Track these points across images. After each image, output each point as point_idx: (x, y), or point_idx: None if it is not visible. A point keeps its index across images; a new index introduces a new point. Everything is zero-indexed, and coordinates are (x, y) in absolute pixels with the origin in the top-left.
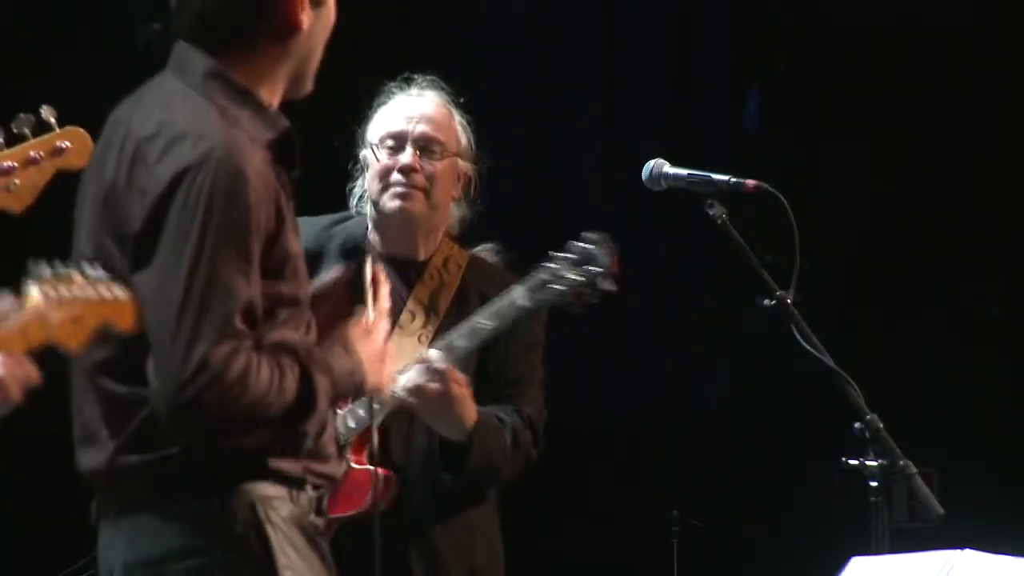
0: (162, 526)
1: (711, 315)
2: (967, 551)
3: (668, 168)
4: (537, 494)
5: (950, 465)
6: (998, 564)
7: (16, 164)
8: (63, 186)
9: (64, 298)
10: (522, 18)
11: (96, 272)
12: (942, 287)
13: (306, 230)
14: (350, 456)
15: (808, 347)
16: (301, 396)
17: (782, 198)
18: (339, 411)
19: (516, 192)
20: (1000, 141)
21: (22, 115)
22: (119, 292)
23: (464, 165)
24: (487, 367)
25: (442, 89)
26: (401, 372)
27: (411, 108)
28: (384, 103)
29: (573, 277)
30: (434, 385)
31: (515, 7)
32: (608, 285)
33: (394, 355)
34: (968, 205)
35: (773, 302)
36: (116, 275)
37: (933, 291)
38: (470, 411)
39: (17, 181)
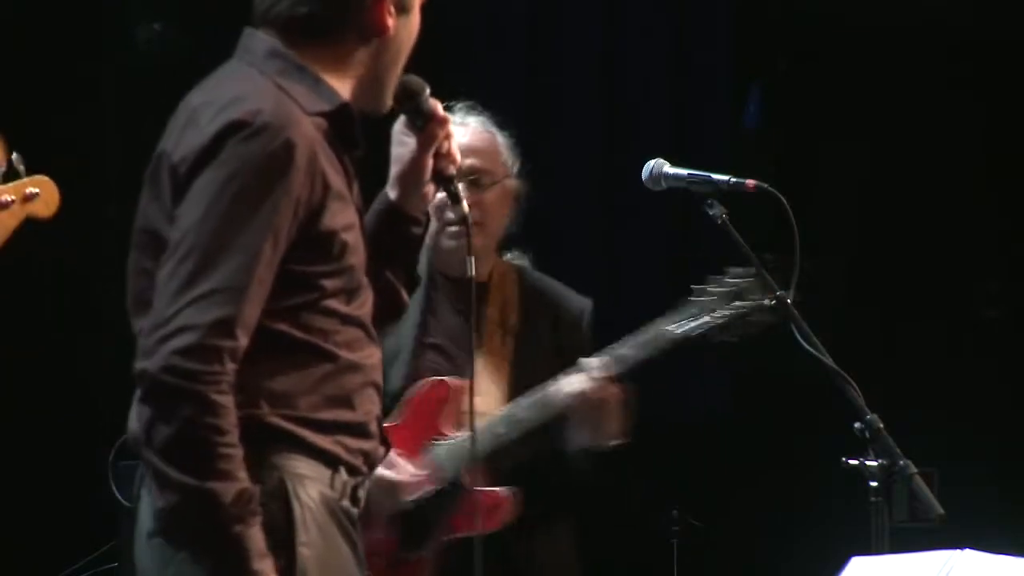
0: None
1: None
2: (967, 551)
3: (668, 168)
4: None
5: (950, 465)
6: (998, 564)
7: None
8: None
9: None
10: (522, 18)
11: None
12: (942, 287)
13: None
14: (470, 479)
15: (808, 347)
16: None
17: (782, 198)
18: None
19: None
20: (1000, 141)
21: None
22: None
23: (512, 184)
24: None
25: (480, 113)
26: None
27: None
28: None
29: (725, 312)
30: (598, 393)
31: (515, 7)
32: (765, 317)
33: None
34: (968, 205)
35: (773, 302)
36: (163, 247)
37: (933, 291)
38: (622, 422)
39: None
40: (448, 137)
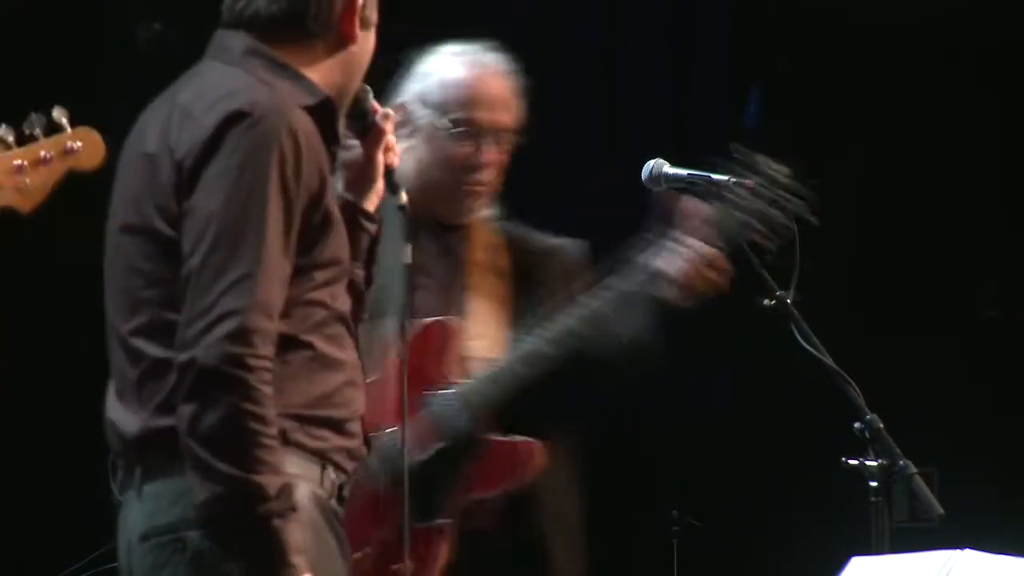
0: (186, 493)
1: (711, 315)
2: (967, 551)
3: (668, 168)
4: None
5: (950, 465)
6: (998, 564)
7: (26, 163)
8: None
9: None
10: (522, 18)
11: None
12: (942, 287)
13: None
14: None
15: (808, 347)
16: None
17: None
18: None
19: (516, 192)
20: (1001, 141)
21: (33, 115)
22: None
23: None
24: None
25: (497, 51)
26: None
27: (486, 92)
28: (447, 69)
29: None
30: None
31: (515, 6)
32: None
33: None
34: (968, 205)
35: (773, 302)
36: (160, 243)
37: (933, 291)
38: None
39: (27, 180)
40: (389, 129)
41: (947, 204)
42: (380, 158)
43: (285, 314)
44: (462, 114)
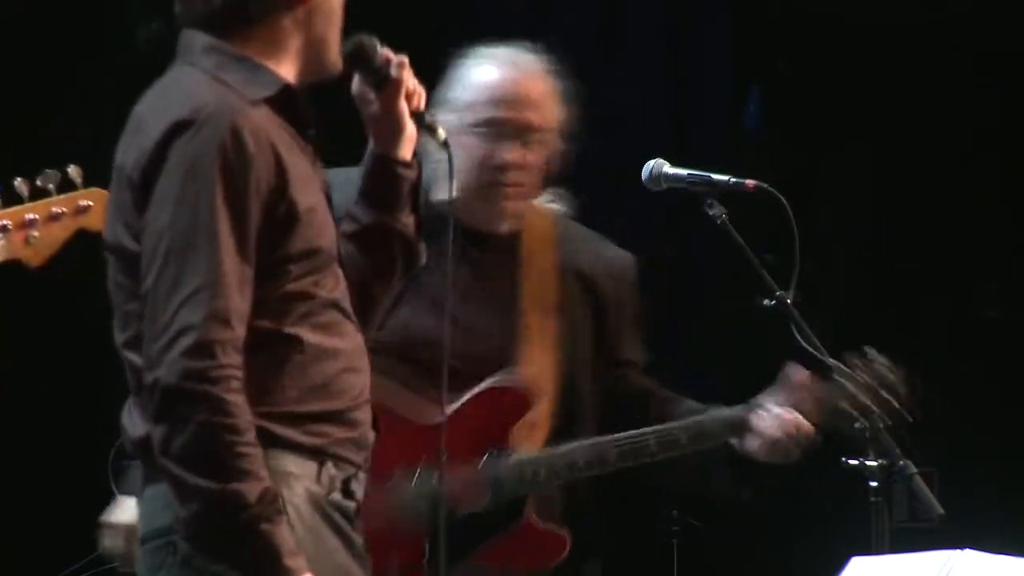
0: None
1: (711, 315)
2: (967, 551)
3: (668, 168)
4: None
5: (950, 465)
6: (998, 564)
7: (38, 217)
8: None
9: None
10: (521, 18)
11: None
12: (942, 287)
13: (349, 190)
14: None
15: (808, 347)
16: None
17: (782, 198)
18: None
19: None
20: (1001, 141)
21: (48, 170)
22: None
23: (557, 139)
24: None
25: (536, 52)
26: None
27: (511, 90)
28: (474, 69)
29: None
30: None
31: (513, 6)
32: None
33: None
34: (968, 205)
35: (773, 302)
36: (129, 260)
37: (933, 291)
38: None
39: (36, 234)
40: (408, 74)
41: (947, 204)
42: (403, 106)
43: (263, 312)
44: (484, 113)
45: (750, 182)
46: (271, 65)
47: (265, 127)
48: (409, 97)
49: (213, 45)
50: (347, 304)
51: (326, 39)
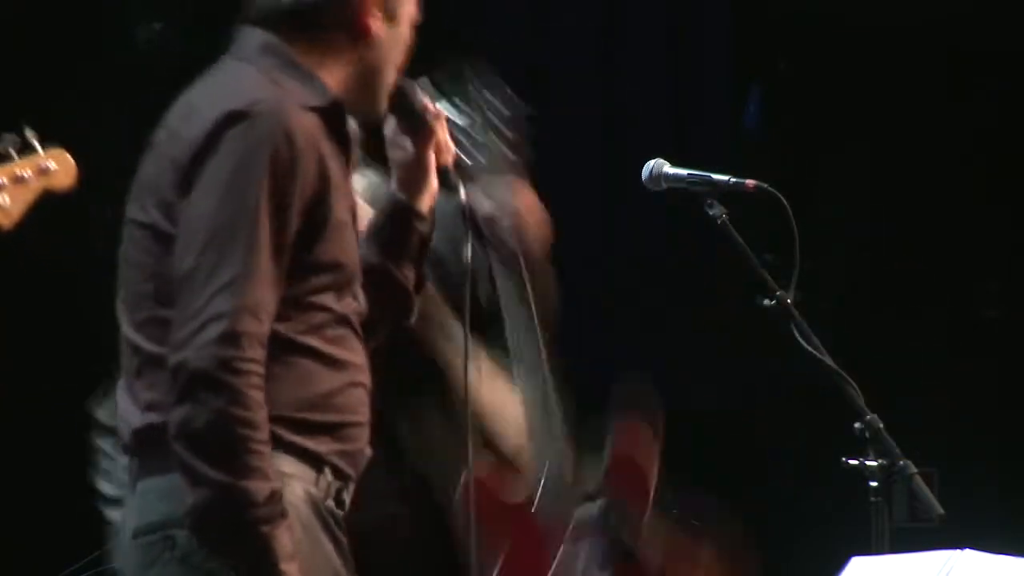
0: (176, 490)
1: (711, 315)
2: (967, 551)
3: (668, 168)
4: None
5: (950, 465)
6: (998, 564)
7: (5, 181)
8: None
9: None
10: (521, 18)
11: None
12: (942, 287)
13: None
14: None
15: (808, 347)
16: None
17: (782, 198)
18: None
19: None
20: (1001, 141)
21: (6, 135)
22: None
23: None
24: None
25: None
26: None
27: None
28: None
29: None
30: None
31: (515, 6)
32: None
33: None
34: (968, 205)
35: (773, 302)
36: (160, 240)
37: (933, 291)
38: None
39: (6, 198)
40: (442, 128)
41: (947, 204)
42: (431, 157)
43: (283, 316)
44: None
45: (750, 182)
46: (322, 76)
47: (314, 132)
48: (439, 151)
49: (272, 45)
50: (357, 322)
51: (375, 82)
